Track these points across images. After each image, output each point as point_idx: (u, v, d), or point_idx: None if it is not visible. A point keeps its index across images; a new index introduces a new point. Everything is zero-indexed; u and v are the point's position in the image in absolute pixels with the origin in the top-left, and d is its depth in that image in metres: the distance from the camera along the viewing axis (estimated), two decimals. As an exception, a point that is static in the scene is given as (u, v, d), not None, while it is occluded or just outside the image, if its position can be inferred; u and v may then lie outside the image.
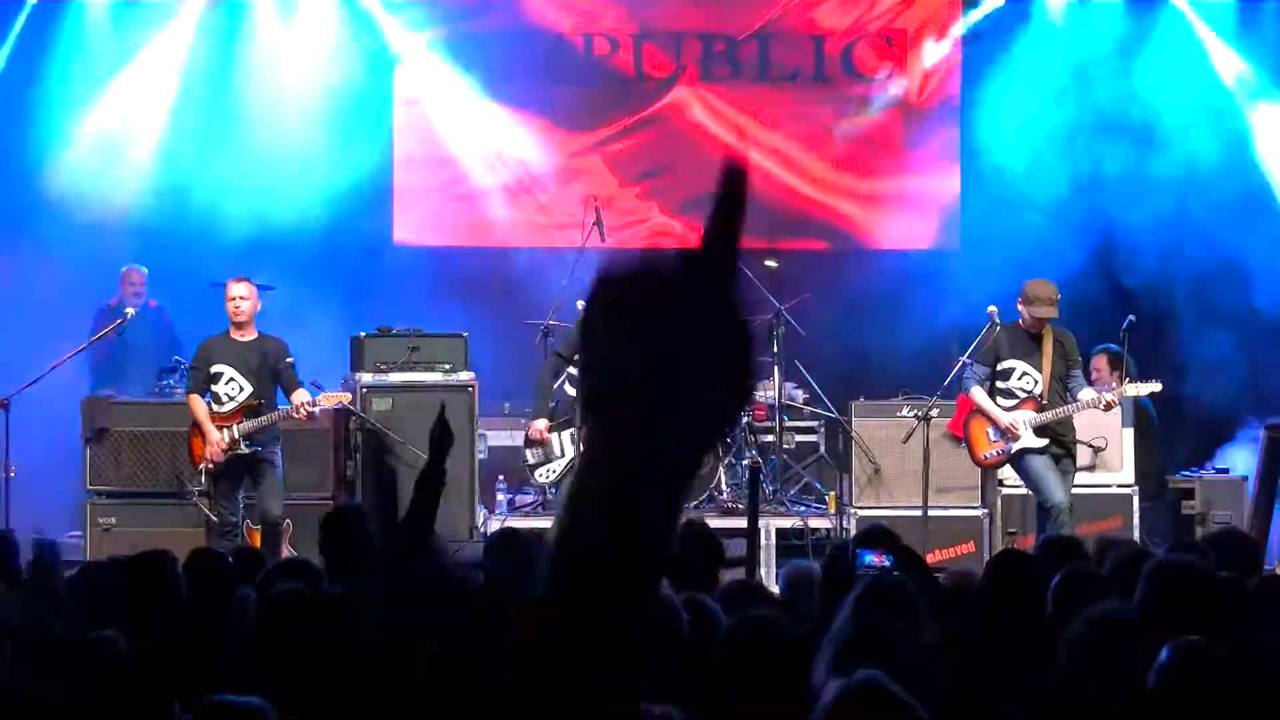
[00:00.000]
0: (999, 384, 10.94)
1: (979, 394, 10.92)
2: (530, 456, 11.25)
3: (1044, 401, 10.78)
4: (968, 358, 11.12)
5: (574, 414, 10.77)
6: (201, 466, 10.90)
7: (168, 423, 11.70)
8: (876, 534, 6.24)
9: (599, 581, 1.48)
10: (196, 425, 10.94)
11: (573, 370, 10.82)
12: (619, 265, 1.52)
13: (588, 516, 1.51)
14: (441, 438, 7.74)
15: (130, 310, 12.32)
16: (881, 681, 3.43)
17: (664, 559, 1.50)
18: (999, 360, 10.89)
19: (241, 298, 10.91)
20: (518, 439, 12.02)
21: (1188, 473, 12.67)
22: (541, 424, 11.19)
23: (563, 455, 10.86)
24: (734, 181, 1.53)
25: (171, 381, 12.30)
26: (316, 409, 10.81)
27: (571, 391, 10.83)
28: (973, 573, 6.75)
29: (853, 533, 11.35)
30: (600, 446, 1.50)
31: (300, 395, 10.76)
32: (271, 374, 10.87)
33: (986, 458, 11.13)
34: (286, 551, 10.98)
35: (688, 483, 1.51)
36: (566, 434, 10.89)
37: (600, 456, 1.50)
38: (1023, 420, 10.80)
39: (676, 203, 14.37)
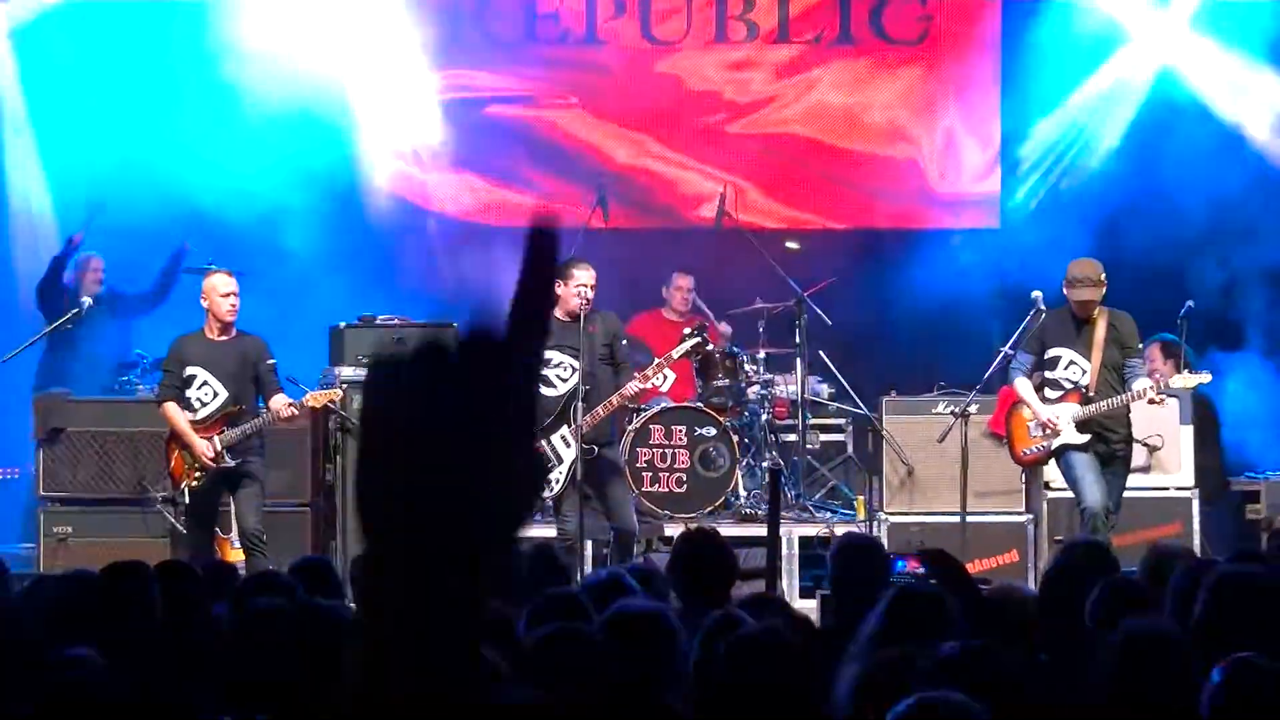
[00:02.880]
0: (1046, 374, 10.94)
1: (1022, 385, 10.93)
2: None
3: (1090, 393, 10.77)
4: (1010, 347, 11.14)
5: (558, 412, 10.80)
6: (184, 485, 10.78)
7: (129, 422, 11.70)
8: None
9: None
10: (176, 438, 10.82)
11: (546, 372, 10.80)
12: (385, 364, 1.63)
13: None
14: None
15: (87, 300, 12.38)
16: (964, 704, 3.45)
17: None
18: (1045, 348, 10.90)
19: (237, 295, 10.77)
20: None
21: (1252, 474, 12.69)
22: None
23: (561, 461, 10.85)
24: (542, 246, 1.64)
25: (132, 377, 12.33)
26: (301, 410, 10.78)
27: (548, 392, 10.78)
28: (1019, 587, 6.77)
29: (884, 541, 11.42)
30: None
31: (279, 400, 10.69)
32: (252, 377, 10.79)
33: (1026, 454, 11.17)
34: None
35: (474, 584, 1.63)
36: (558, 437, 10.87)
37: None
38: (1065, 414, 10.81)
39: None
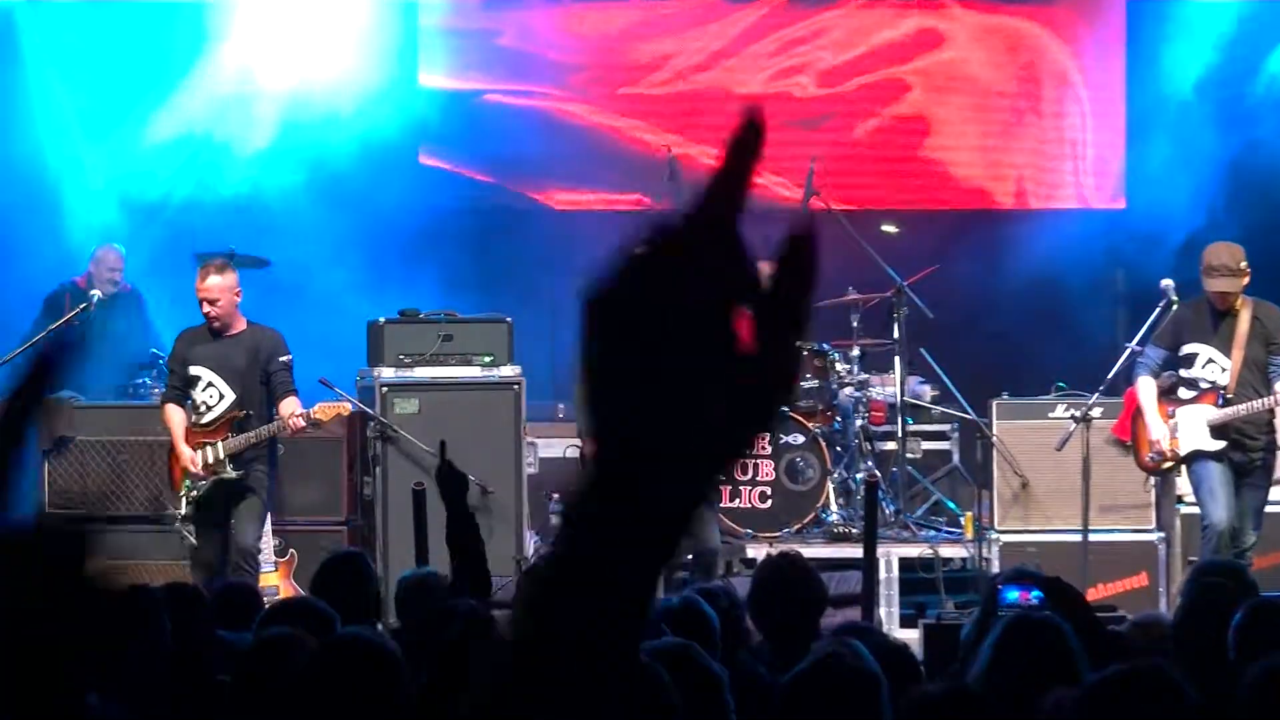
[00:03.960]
0: (1181, 372, 10.91)
1: (1144, 385, 10.93)
2: None
3: (1228, 394, 10.72)
4: (1138, 343, 11.04)
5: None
6: (183, 495, 10.81)
7: (144, 429, 11.69)
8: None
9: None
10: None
11: None
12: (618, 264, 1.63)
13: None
14: (448, 483, 7.74)
15: (96, 293, 12.39)
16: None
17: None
18: (1179, 344, 10.85)
19: (210, 300, 10.61)
20: (575, 448, 11.97)
21: None
22: None
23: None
24: (749, 135, 1.63)
25: (148, 380, 12.33)
26: (309, 421, 10.70)
27: None
28: (1162, 619, 6.73)
29: (995, 563, 11.32)
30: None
31: (290, 405, 10.61)
32: (262, 377, 10.72)
33: (1150, 460, 11.11)
34: (290, 588, 11.04)
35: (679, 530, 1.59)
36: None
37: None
38: (1198, 417, 10.74)
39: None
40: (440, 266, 13.51)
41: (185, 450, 10.66)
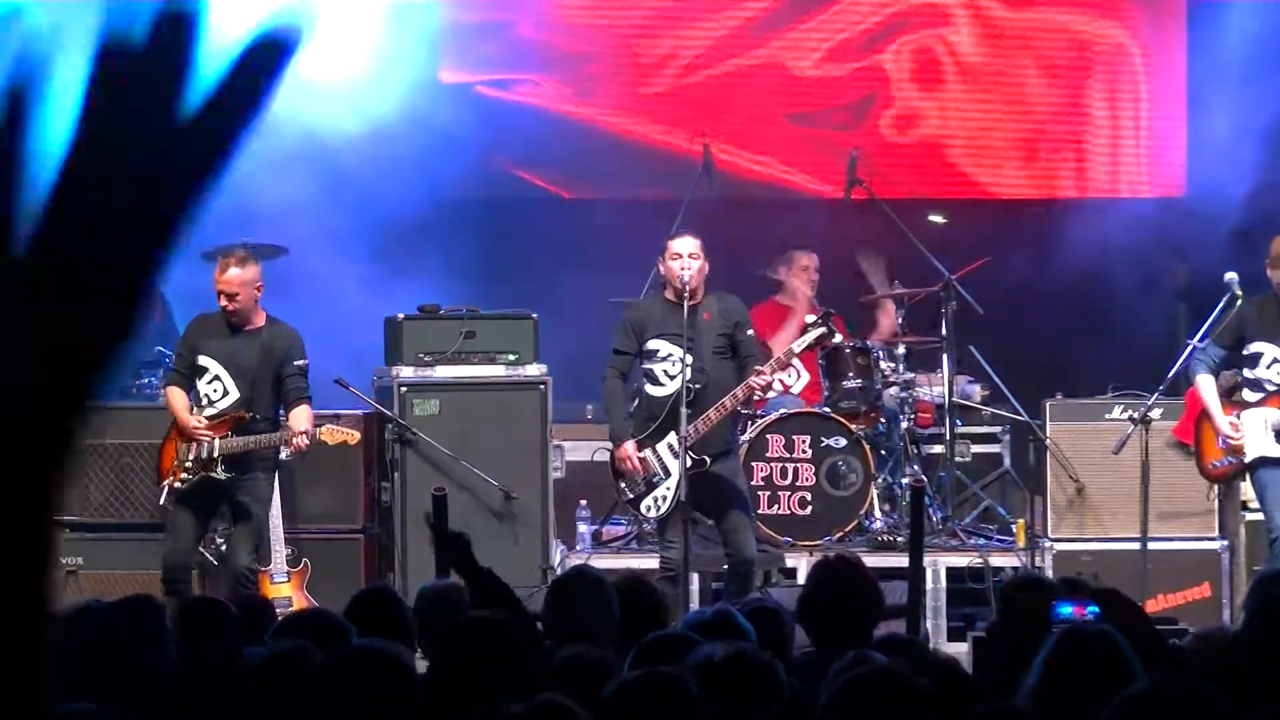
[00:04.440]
0: (1246, 372, 10.87)
1: (1204, 382, 10.86)
2: (629, 489, 10.86)
3: (1295, 396, 10.77)
4: (1199, 340, 10.99)
5: (664, 416, 10.56)
6: (165, 484, 10.74)
7: (150, 432, 11.54)
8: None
9: None
10: (172, 427, 10.74)
11: (648, 365, 10.66)
12: None
13: None
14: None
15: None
16: None
17: None
18: (1244, 342, 10.80)
19: (229, 294, 10.53)
20: (604, 451, 11.85)
21: None
22: (631, 446, 10.72)
23: (668, 475, 10.65)
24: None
25: (154, 380, 12.27)
26: (312, 442, 10.61)
27: (654, 390, 10.60)
28: (1226, 632, 6.72)
29: (1049, 572, 11.30)
30: None
31: (301, 415, 10.55)
32: (273, 378, 10.65)
33: (1214, 467, 11.08)
34: (304, 600, 11.03)
35: None
36: (664, 445, 10.67)
37: None
38: (1262, 420, 10.71)
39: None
40: (450, 259, 13.45)
41: (189, 419, 10.52)
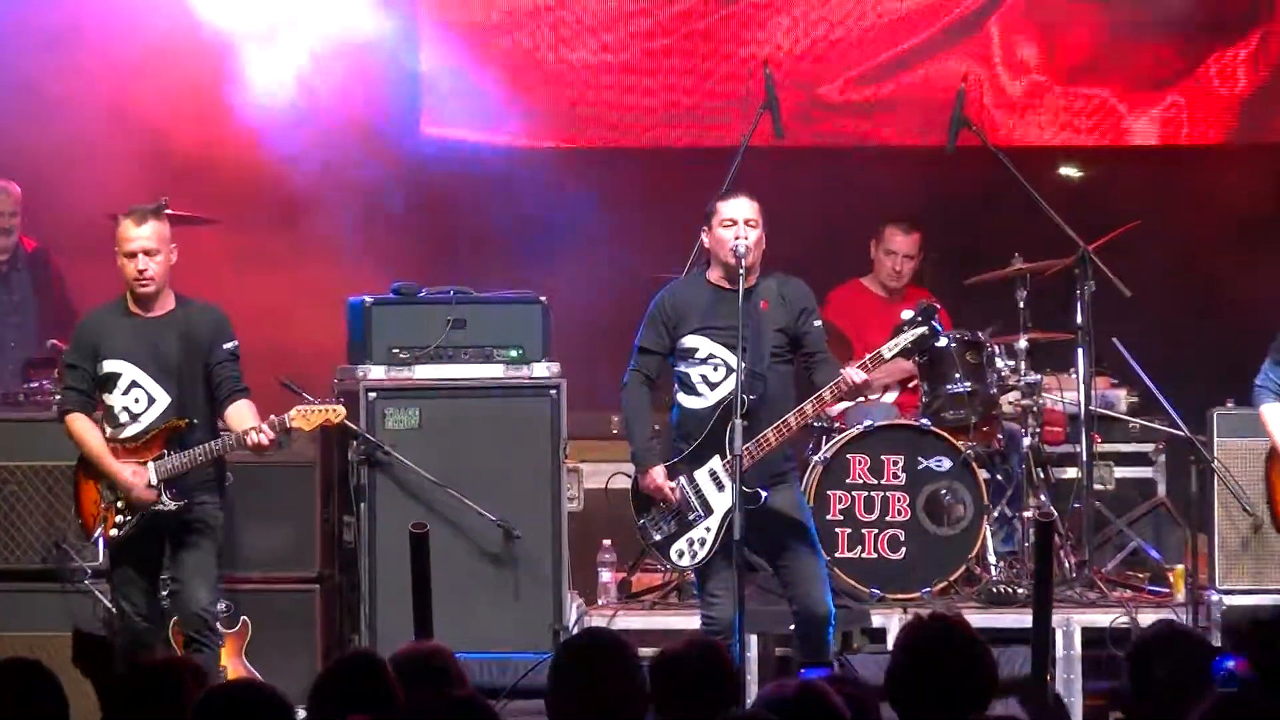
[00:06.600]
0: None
1: (1271, 415, 11.40)
2: (652, 529, 10.74)
3: None
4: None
5: (704, 436, 10.35)
6: (98, 535, 10.77)
7: (45, 453, 11.83)
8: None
9: None
10: (87, 464, 10.71)
11: (683, 369, 10.60)
12: None
13: None
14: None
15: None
16: None
17: None
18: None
19: (147, 251, 10.58)
20: (624, 477, 11.75)
21: None
22: (658, 472, 10.67)
23: (708, 512, 10.45)
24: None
25: (47, 383, 12.46)
26: (280, 432, 10.65)
27: (692, 402, 10.48)
28: None
29: (1215, 634, 11.72)
30: None
31: (241, 412, 10.59)
32: (203, 370, 10.65)
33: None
34: (240, 668, 11.22)
35: None
36: (705, 472, 10.53)
37: None
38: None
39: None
40: (431, 230, 14.15)
41: (118, 467, 10.56)
